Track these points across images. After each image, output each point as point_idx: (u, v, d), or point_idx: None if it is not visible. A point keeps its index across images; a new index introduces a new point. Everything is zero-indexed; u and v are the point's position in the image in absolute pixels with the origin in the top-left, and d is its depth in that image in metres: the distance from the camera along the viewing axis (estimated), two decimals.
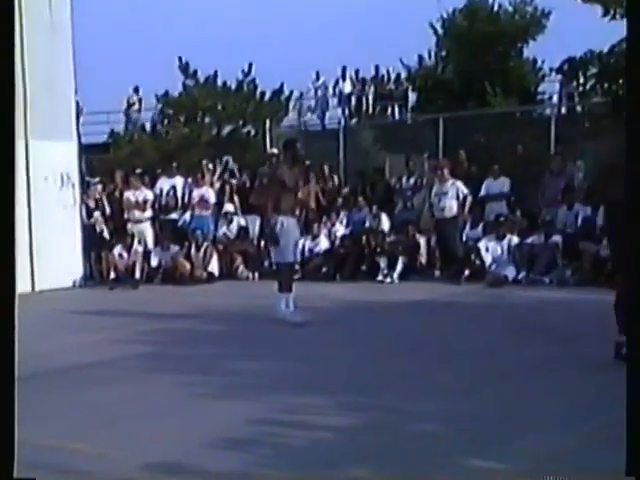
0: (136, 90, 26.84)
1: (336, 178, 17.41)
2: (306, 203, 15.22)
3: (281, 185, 9.59)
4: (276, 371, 7.08)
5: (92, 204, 16.26)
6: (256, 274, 15.25)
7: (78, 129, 15.87)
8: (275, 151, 18.37)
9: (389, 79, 24.50)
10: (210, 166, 17.61)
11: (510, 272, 13.38)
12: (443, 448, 4.77)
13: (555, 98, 21.62)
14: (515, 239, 13.75)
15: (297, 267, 10.22)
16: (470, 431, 5.09)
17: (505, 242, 13.70)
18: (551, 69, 22.14)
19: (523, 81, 21.85)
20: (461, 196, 14.01)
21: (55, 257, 14.41)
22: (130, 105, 26.71)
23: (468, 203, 14.14)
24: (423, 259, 14.54)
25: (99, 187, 17.00)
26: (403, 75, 24.17)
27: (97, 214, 16.08)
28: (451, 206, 13.97)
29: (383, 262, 14.41)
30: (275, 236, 9.58)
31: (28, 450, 4.88)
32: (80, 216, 15.47)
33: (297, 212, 9.96)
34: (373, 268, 14.50)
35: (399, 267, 14.30)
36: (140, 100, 26.87)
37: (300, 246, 9.86)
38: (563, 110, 20.36)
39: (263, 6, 45.79)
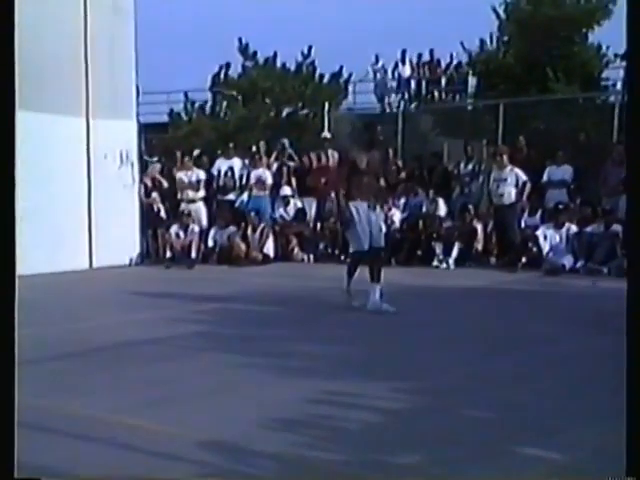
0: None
1: (400, 162, 17.27)
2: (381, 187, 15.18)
3: (352, 169, 9.30)
4: (332, 354, 7.07)
5: (150, 183, 16.40)
6: (311, 256, 15.28)
7: (138, 108, 15.98)
8: (328, 135, 18.34)
9: (450, 64, 24.29)
10: (267, 148, 17.63)
11: (568, 261, 13.21)
12: (498, 435, 4.72)
13: (619, 85, 21.22)
14: (574, 227, 13.56)
15: (381, 254, 9.73)
16: (527, 419, 5.04)
17: (564, 230, 13.52)
18: (616, 55, 21.74)
19: (586, 67, 21.45)
20: (520, 183, 13.85)
21: (113, 235, 14.57)
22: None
23: (527, 190, 13.97)
24: (479, 245, 14.43)
25: (157, 166, 17.13)
26: (464, 60, 23.93)
27: (155, 194, 16.20)
28: (509, 193, 13.82)
29: (439, 248, 14.33)
30: (347, 223, 9.33)
31: (83, 423, 4.94)
32: (138, 195, 15.61)
33: (370, 197, 9.31)
34: (429, 253, 14.43)
35: (455, 253, 14.21)
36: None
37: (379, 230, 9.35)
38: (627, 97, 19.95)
39: None
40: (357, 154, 9.41)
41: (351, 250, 9.65)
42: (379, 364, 6.66)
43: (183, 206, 15.96)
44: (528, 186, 13.96)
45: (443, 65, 24.57)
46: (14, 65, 3.01)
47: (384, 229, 9.57)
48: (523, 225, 14.28)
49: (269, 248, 15.13)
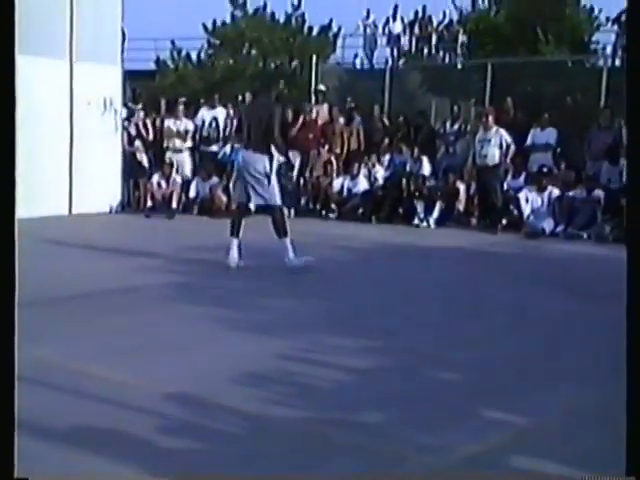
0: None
1: (386, 120, 17.16)
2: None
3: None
4: (304, 309, 7.07)
5: (133, 131, 16.23)
6: (292, 210, 15.21)
7: (123, 54, 15.77)
8: (323, 88, 18.20)
9: (441, 21, 24.13)
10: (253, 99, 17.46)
11: (548, 225, 13.20)
12: (464, 397, 4.73)
13: (609, 49, 21.11)
14: (556, 191, 13.53)
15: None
16: (492, 382, 5.05)
17: (546, 194, 13.50)
18: (607, 19, 21.62)
19: (577, 30, 21.31)
20: (504, 145, 13.79)
21: (94, 182, 14.45)
22: None
23: (511, 152, 13.91)
24: (461, 206, 14.39)
25: (141, 114, 16.95)
26: (455, 18, 23.75)
27: (138, 142, 16.04)
28: (493, 154, 13.76)
29: (420, 206, 14.28)
30: None
31: (47, 371, 4.91)
32: (121, 142, 15.46)
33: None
34: (410, 212, 14.40)
35: (436, 212, 14.18)
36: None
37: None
38: (617, 62, 19.88)
39: None
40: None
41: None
42: (352, 321, 6.67)
43: (169, 155, 15.81)
44: (512, 148, 13.90)
45: (434, 23, 24.41)
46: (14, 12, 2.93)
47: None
48: (506, 187, 14.23)
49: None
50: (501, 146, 13.76)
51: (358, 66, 24.52)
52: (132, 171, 15.61)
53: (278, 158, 9.44)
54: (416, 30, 24.28)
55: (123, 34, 16.05)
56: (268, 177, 9.03)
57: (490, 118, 13.94)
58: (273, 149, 9.24)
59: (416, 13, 24.40)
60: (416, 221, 14.15)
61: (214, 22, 26.22)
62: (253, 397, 4.59)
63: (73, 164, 14.37)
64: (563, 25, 20.63)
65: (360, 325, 6.53)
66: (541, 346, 6.00)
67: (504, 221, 13.70)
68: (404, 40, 24.60)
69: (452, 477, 3.70)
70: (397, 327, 6.52)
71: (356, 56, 25.63)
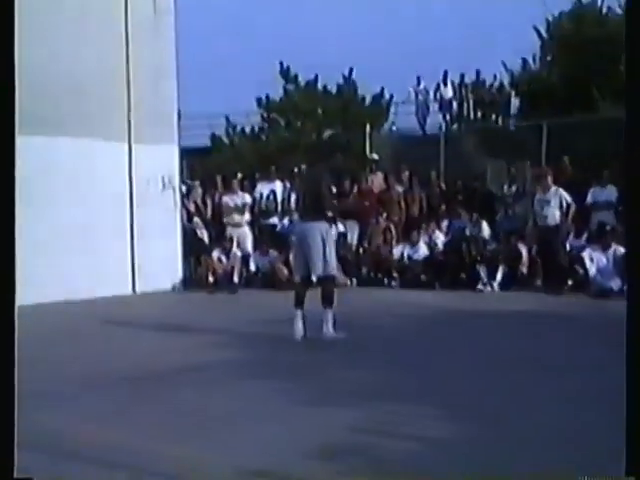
0: None
1: (443, 185, 17.15)
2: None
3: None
4: (374, 379, 6.97)
5: (192, 208, 16.41)
6: (354, 280, 15.16)
7: (179, 133, 16.04)
8: (376, 157, 18.28)
9: (492, 84, 24.16)
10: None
11: (615, 283, 12.95)
12: (546, 463, 4.58)
13: None
14: (621, 249, 13.30)
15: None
16: (573, 445, 4.89)
17: (611, 252, 13.28)
18: None
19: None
20: (565, 204, 13.66)
21: (156, 260, 14.59)
22: None
23: (572, 211, 13.78)
24: (524, 268, 14.23)
25: (199, 191, 17.15)
26: (506, 80, 23.78)
27: (197, 219, 16.20)
28: (554, 214, 13.64)
29: (483, 271, 14.16)
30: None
31: (124, 453, 4.87)
32: (181, 219, 15.63)
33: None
34: (473, 277, 14.27)
35: (499, 276, 14.04)
36: None
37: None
38: None
39: (364, 10, 45.75)
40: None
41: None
42: (422, 389, 6.54)
43: (228, 230, 15.93)
44: (573, 207, 13.76)
45: (486, 86, 24.44)
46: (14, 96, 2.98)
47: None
48: (568, 247, 14.05)
49: None
50: (561, 206, 13.64)
51: (412, 132, 24.57)
52: (193, 248, 15.75)
53: (334, 228, 9.44)
54: (468, 94, 24.29)
55: (179, 113, 16.33)
56: (324, 248, 8.98)
57: (549, 178, 13.85)
58: (327, 218, 9.24)
59: (462, 76, 24.44)
60: (480, 286, 14.01)
61: (267, 96, 26.64)
62: (327, 470, 4.50)
63: (135, 243, 14.54)
64: (617, 82, 20.50)
65: (430, 393, 6.41)
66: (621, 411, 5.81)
67: (569, 282, 13.49)
68: (456, 104, 24.63)
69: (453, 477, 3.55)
70: (469, 393, 6.38)
71: (409, 123, 25.73)
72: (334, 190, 9.86)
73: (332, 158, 12.53)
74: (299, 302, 9.09)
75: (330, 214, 9.38)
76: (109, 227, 14.09)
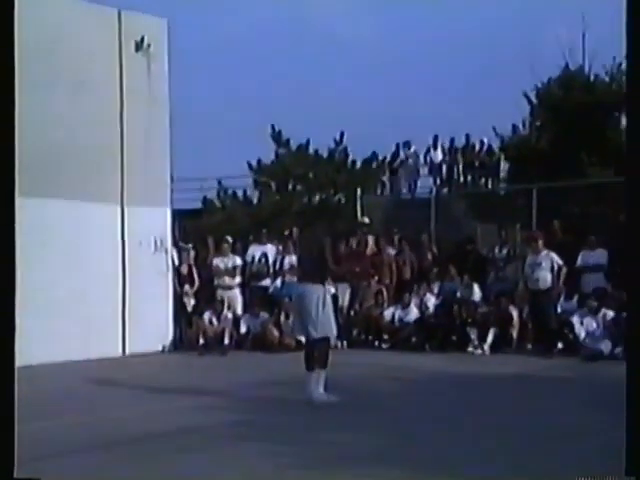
0: None
1: (434, 248, 17.23)
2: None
3: None
4: (366, 443, 6.94)
5: (185, 270, 16.41)
6: (345, 342, 15.14)
7: (172, 196, 16.15)
8: (366, 220, 18.36)
9: (481, 148, 24.38)
10: (300, 234, 17.65)
11: (606, 346, 12.95)
12: None
13: None
14: (610, 313, 13.31)
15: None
16: None
17: (600, 316, 13.31)
18: None
19: (621, 151, 21.39)
20: (556, 267, 13.73)
21: (146, 321, 14.58)
22: None
23: (563, 274, 13.84)
24: (515, 331, 14.24)
25: (192, 253, 17.18)
26: (496, 145, 24.01)
27: (187, 287, 16.16)
28: (545, 277, 13.70)
29: (474, 333, 14.17)
30: None
31: None
32: (172, 281, 15.64)
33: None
34: (464, 339, 14.27)
35: (490, 338, 14.04)
36: None
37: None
38: None
39: (354, 75, 46.38)
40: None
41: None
42: (413, 454, 6.52)
43: (219, 292, 15.93)
44: (564, 270, 13.83)
45: (475, 150, 24.66)
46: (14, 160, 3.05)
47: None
48: (559, 310, 14.09)
49: None
50: (552, 269, 13.70)
51: (402, 196, 24.73)
52: (183, 309, 15.75)
53: (329, 290, 9.47)
54: (458, 157, 24.51)
55: (171, 176, 16.45)
56: (321, 310, 8.99)
57: (540, 241, 13.93)
58: (326, 281, 9.27)
59: (452, 140, 24.67)
60: (470, 348, 14.01)
61: (259, 160, 26.82)
62: None
63: (126, 304, 14.54)
64: (606, 147, 20.74)
65: (420, 458, 6.38)
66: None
67: (559, 345, 13.50)
68: (445, 168, 24.82)
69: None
70: (460, 458, 6.36)
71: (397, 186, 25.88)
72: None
73: (323, 221, 12.65)
74: (310, 364, 8.99)
75: (332, 276, 9.43)
76: (101, 288, 14.10)
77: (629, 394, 2.47)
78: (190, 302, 16.14)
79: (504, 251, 15.86)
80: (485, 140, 24.25)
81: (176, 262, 16.05)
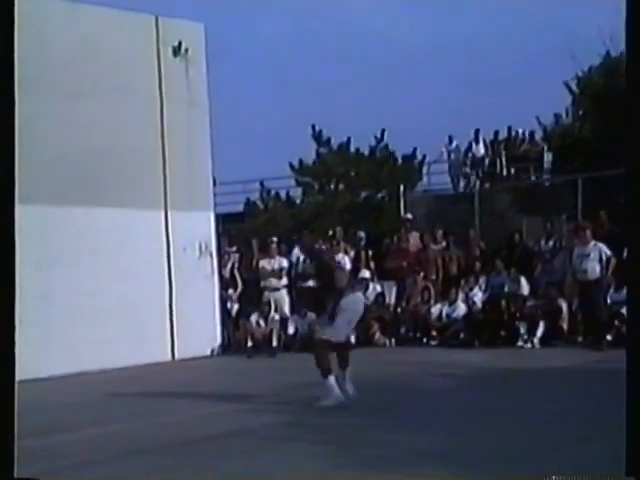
0: None
1: (481, 243, 17.10)
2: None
3: None
4: (418, 441, 6.88)
5: (228, 274, 16.45)
6: (393, 340, 15.09)
7: (214, 199, 16.20)
8: (409, 217, 18.29)
9: (523, 140, 24.13)
10: (344, 233, 17.61)
11: None
12: None
13: None
14: None
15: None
16: None
17: None
18: None
19: None
20: (604, 258, 13.54)
21: (194, 326, 14.63)
22: None
23: (612, 265, 13.63)
24: (565, 324, 14.08)
25: (236, 256, 17.22)
26: (538, 135, 23.74)
27: (231, 291, 16.22)
28: (594, 268, 13.51)
29: (523, 327, 14.05)
30: None
31: None
32: (218, 285, 15.69)
33: None
34: (513, 333, 14.15)
35: (539, 332, 13.91)
36: None
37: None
38: None
39: (394, 71, 46.13)
40: None
41: None
42: (469, 451, 6.45)
43: (266, 294, 15.95)
44: (613, 261, 13.62)
45: (517, 142, 24.42)
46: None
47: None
48: (609, 301, 13.90)
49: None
50: (601, 260, 13.51)
51: (444, 191, 24.55)
52: (230, 312, 15.80)
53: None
54: (501, 151, 24.28)
55: (214, 180, 16.50)
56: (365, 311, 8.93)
57: (587, 232, 13.76)
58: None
59: (496, 133, 24.43)
60: (520, 342, 13.90)
61: (300, 161, 26.79)
62: None
63: (173, 309, 14.61)
64: None
65: (476, 454, 6.32)
66: None
67: (609, 337, 13.32)
68: (488, 162, 24.61)
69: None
70: (515, 454, 6.28)
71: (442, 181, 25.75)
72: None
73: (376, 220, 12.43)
74: (344, 363, 8.87)
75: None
76: (148, 294, 14.18)
77: (629, 394, 2.43)
78: (234, 306, 16.19)
79: (550, 243, 15.69)
80: (526, 131, 24.02)
81: (220, 266, 16.09)
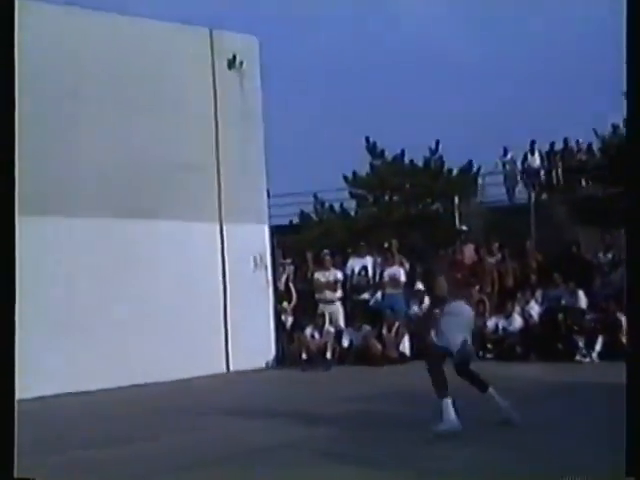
0: None
1: (538, 255, 16.91)
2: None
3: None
4: (468, 456, 6.79)
5: (283, 286, 16.47)
6: None
7: (269, 211, 16.24)
8: (465, 228, 18.12)
9: (579, 150, 23.87)
10: (399, 245, 17.51)
11: None
12: None
13: None
14: None
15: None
16: None
17: None
18: None
19: None
20: None
21: (249, 338, 14.64)
22: None
23: None
24: (624, 338, 13.83)
25: (291, 268, 17.24)
26: (596, 146, 23.48)
27: (285, 304, 16.24)
28: None
29: (581, 341, 13.84)
30: None
31: None
32: (273, 297, 15.71)
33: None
34: (570, 347, 13.94)
35: (598, 346, 13.70)
36: None
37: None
38: None
39: (448, 83, 46.01)
40: None
41: None
42: (519, 466, 6.33)
43: (320, 306, 15.93)
44: None
45: (574, 152, 24.17)
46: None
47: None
48: None
49: (405, 346, 14.90)
50: None
51: (499, 203, 24.38)
52: (285, 325, 15.81)
53: None
54: (557, 161, 24.04)
55: (268, 192, 16.54)
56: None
57: None
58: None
59: (553, 145, 24.19)
60: (578, 357, 13.68)
61: (354, 173, 26.79)
62: None
63: (228, 322, 14.64)
64: None
65: (526, 470, 6.20)
66: None
67: None
68: (544, 173, 24.39)
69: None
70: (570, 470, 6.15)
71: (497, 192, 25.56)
72: None
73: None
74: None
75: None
76: (203, 307, 14.23)
77: (629, 394, 2.37)
78: (288, 319, 16.19)
79: (609, 255, 15.46)
80: (584, 142, 23.76)
81: (275, 278, 16.12)
